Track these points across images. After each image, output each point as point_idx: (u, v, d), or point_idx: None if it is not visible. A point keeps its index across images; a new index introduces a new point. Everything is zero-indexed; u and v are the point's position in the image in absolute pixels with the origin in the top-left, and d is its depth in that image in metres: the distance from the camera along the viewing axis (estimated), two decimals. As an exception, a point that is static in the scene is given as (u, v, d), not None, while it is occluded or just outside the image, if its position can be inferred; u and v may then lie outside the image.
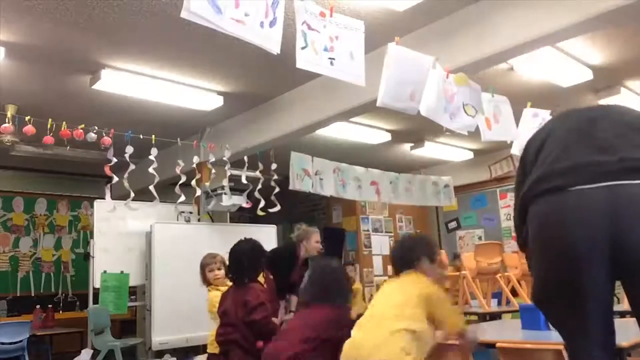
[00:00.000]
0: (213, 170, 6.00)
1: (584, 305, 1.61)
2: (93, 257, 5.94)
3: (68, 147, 5.00)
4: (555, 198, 1.64)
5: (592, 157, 1.61)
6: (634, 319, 1.67)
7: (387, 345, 2.15)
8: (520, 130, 4.03)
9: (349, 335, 2.39)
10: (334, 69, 2.79)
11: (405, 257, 2.53)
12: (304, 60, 2.65)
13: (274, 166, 5.77)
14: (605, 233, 1.54)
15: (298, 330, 2.57)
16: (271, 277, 4.03)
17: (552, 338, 2.61)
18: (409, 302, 2.29)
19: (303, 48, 2.64)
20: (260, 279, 3.43)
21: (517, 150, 4.20)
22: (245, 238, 3.26)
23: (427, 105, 3.27)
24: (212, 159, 5.93)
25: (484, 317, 4.89)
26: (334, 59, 2.77)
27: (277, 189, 5.73)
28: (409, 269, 2.48)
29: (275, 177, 5.77)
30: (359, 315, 2.46)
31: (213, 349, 3.43)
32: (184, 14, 2.18)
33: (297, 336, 2.51)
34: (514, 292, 5.48)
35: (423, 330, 2.25)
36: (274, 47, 2.51)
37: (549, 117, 2.16)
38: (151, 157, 5.33)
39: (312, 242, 4.32)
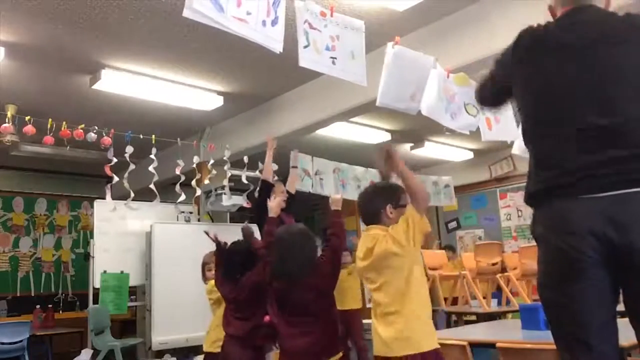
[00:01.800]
0: (213, 171, 6.01)
1: (586, 308, 1.61)
2: (93, 257, 5.93)
3: (68, 147, 5.00)
4: (562, 204, 1.64)
5: (605, 170, 1.59)
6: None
7: (409, 334, 2.12)
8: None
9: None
10: (335, 68, 2.79)
11: (368, 211, 2.33)
12: (306, 59, 2.66)
13: (274, 167, 5.77)
14: (609, 241, 1.55)
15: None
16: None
17: (552, 338, 2.61)
18: (396, 268, 2.18)
19: (305, 47, 2.65)
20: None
21: (517, 150, 4.21)
22: (246, 239, 3.29)
23: (428, 104, 3.28)
24: (212, 160, 5.93)
25: (484, 317, 4.88)
26: (335, 58, 2.77)
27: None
28: (375, 223, 2.28)
29: (276, 178, 5.76)
30: None
31: (208, 347, 3.45)
32: (186, 13, 2.18)
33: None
34: (514, 292, 5.48)
35: (423, 284, 2.24)
36: (276, 46, 2.51)
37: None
38: (152, 156, 5.34)
39: (277, 192, 4.33)
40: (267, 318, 2.92)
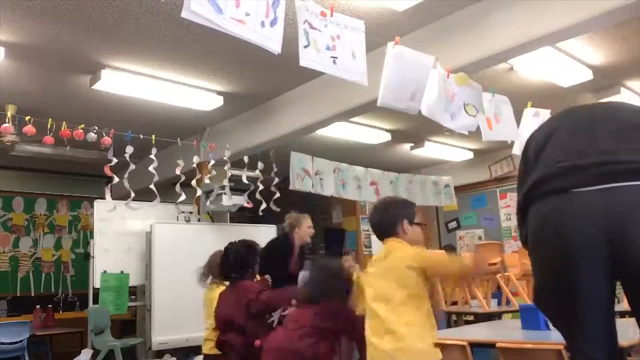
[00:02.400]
0: (213, 171, 6.01)
1: (580, 305, 1.60)
2: (93, 257, 5.94)
3: (68, 147, 5.00)
4: (554, 199, 1.63)
5: (592, 159, 1.60)
6: (634, 318, 1.67)
7: (412, 344, 2.12)
8: (521, 130, 4.04)
9: (349, 327, 2.43)
10: (336, 68, 2.79)
11: (385, 223, 2.38)
12: (306, 59, 2.65)
13: (275, 168, 5.77)
14: (602, 234, 1.53)
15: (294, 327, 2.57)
16: (269, 282, 3.97)
17: (552, 338, 2.61)
18: (403, 282, 2.20)
19: (305, 47, 2.64)
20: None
21: (517, 150, 4.20)
22: (243, 239, 3.30)
23: (428, 104, 3.27)
24: (212, 160, 5.93)
25: (484, 317, 4.88)
26: (336, 57, 2.77)
27: (277, 194, 5.73)
28: (390, 235, 2.34)
29: (277, 180, 5.76)
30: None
31: (207, 350, 3.44)
32: (184, 14, 2.18)
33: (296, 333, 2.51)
34: (514, 292, 5.48)
35: (426, 302, 2.24)
36: (275, 47, 2.50)
37: (549, 116, 2.14)
38: (152, 156, 5.34)
39: (304, 227, 4.29)
40: (257, 342, 2.90)
